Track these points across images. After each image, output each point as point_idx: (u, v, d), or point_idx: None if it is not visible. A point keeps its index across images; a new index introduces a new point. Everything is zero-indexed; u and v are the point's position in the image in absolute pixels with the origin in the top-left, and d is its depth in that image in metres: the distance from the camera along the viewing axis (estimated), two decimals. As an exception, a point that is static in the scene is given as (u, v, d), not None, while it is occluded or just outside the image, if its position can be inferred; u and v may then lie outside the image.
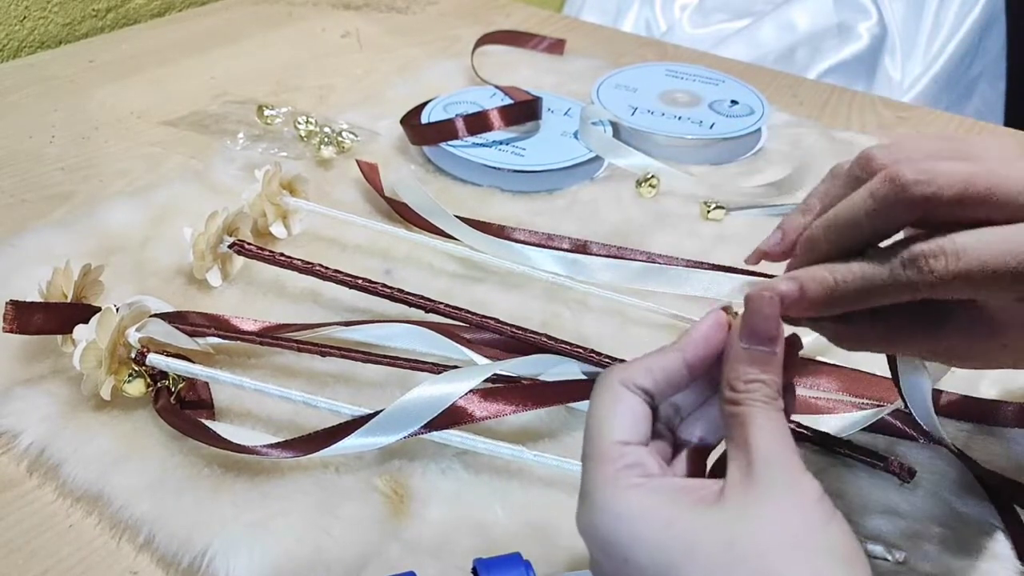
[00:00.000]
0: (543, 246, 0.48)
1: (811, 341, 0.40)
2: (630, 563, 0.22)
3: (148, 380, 0.37)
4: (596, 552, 0.24)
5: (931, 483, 0.36)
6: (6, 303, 0.36)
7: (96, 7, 0.74)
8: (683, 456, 0.27)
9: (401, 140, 0.58)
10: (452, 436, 0.35)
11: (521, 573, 0.27)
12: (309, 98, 0.64)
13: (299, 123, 0.58)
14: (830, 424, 0.38)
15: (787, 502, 0.22)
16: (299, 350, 0.38)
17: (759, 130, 0.60)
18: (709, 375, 0.27)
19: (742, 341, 0.25)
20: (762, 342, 0.25)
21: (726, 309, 0.27)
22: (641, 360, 0.26)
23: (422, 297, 0.41)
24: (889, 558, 0.33)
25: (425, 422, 0.34)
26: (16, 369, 0.39)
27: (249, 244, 0.44)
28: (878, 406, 0.39)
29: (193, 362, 0.37)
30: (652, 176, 0.54)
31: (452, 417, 0.34)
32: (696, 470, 0.27)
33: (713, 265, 0.46)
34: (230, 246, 0.44)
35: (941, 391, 0.39)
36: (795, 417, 0.38)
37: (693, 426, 0.27)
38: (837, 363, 0.41)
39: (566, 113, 0.61)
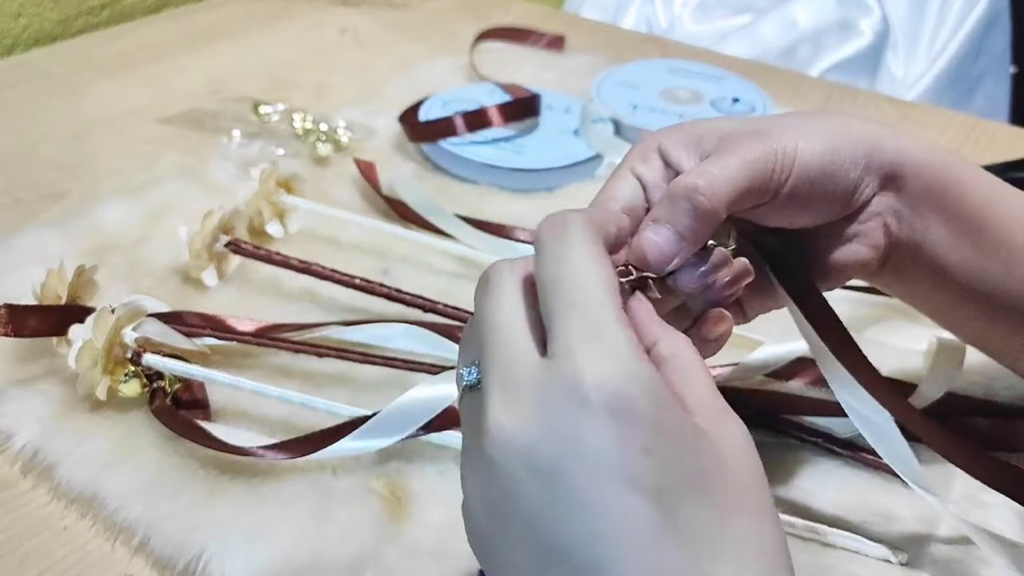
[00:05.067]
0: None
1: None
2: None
3: (144, 380, 0.36)
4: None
5: (933, 484, 0.35)
6: (0, 306, 0.36)
7: (91, 4, 0.73)
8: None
9: (399, 137, 0.58)
10: (450, 438, 0.34)
11: None
12: (306, 95, 0.64)
13: (296, 120, 0.58)
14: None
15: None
16: (296, 351, 0.38)
17: (760, 127, 0.60)
18: None
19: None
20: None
21: None
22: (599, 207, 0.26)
23: (420, 297, 0.40)
24: (892, 559, 0.32)
25: (423, 424, 0.33)
26: (10, 370, 0.39)
27: (245, 243, 0.43)
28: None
29: (189, 362, 0.37)
30: (653, 174, 0.54)
31: (450, 418, 0.34)
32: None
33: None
34: (226, 245, 0.43)
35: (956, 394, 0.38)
36: (795, 418, 0.38)
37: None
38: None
39: (566, 110, 0.60)
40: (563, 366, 0.20)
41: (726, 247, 0.29)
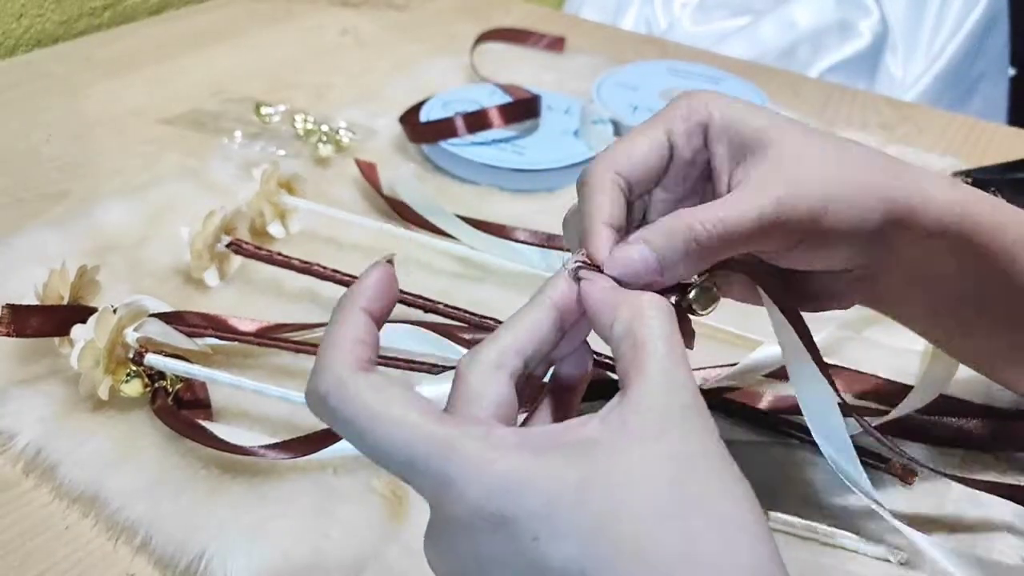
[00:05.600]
0: (543, 246, 0.47)
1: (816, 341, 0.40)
2: (543, 540, 0.20)
3: (146, 380, 0.36)
4: (480, 542, 0.21)
5: (932, 484, 0.35)
6: (2, 307, 0.36)
7: (93, 5, 0.74)
8: (546, 401, 0.26)
9: (400, 138, 0.58)
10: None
11: None
12: (307, 96, 0.64)
13: (297, 121, 0.58)
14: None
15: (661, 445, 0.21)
16: (297, 351, 0.38)
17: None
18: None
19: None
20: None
21: None
22: (506, 338, 0.24)
23: (421, 297, 0.40)
24: (891, 559, 0.32)
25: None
26: (12, 370, 0.39)
27: (247, 243, 0.43)
28: (881, 408, 0.38)
29: (191, 362, 0.37)
30: (652, 175, 0.54)
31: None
32: (563, 409, 0.26)
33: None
34: (227, 245, 0.43)
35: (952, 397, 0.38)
36: (794, 418, 0.38)
37: (558, 365, 0.27)
38: (838, 363, 0.41)
39: (566, 111, 0.60)
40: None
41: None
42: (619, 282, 0.25)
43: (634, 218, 0.29)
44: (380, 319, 0.24)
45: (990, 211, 0.29)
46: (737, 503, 0.21)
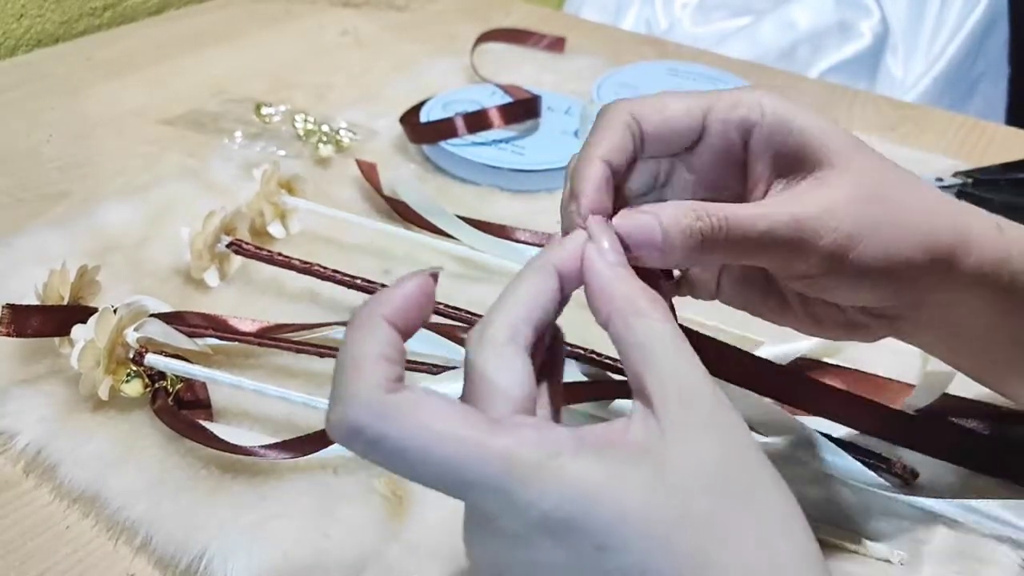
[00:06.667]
0: (543, 245, 0.47)
1: (816, 343, 0.40)
2: (609, 551, 0.19)
3: (146, 380, 0.36)
4: (539, 549, 0.20)
5: (933, 484, 0.35)
6: (2, 307, 0.36)
7: (93, 5, 0.74)
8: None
9: (400, 139, 0.58)
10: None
11: None
12: (307, 96, 0.64)
13: (297, 121, 0.58)
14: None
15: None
16: (297, 351, 0.38)
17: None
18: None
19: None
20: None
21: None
22: (513, 308, 0.23)
23: (421, 297, 0.40)
24: (892, 559, 0.32)
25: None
26: (13, 369, 0.39)
27: (247, 243, 0.43)
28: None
29: (191, 362, 0.37)
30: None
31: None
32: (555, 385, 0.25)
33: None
34: (228, 245, 0.43)
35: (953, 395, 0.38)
36: (798, 417, 0.38)
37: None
38: (840, 364, 0.41)
39: (566, 112, 0.60)
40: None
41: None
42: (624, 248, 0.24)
43: (644, 182, 0.28)
44: (407, 333, 0.22)
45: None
46: (783, 497, 0.21)
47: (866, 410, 0.34)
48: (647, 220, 0.24)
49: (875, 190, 0.26)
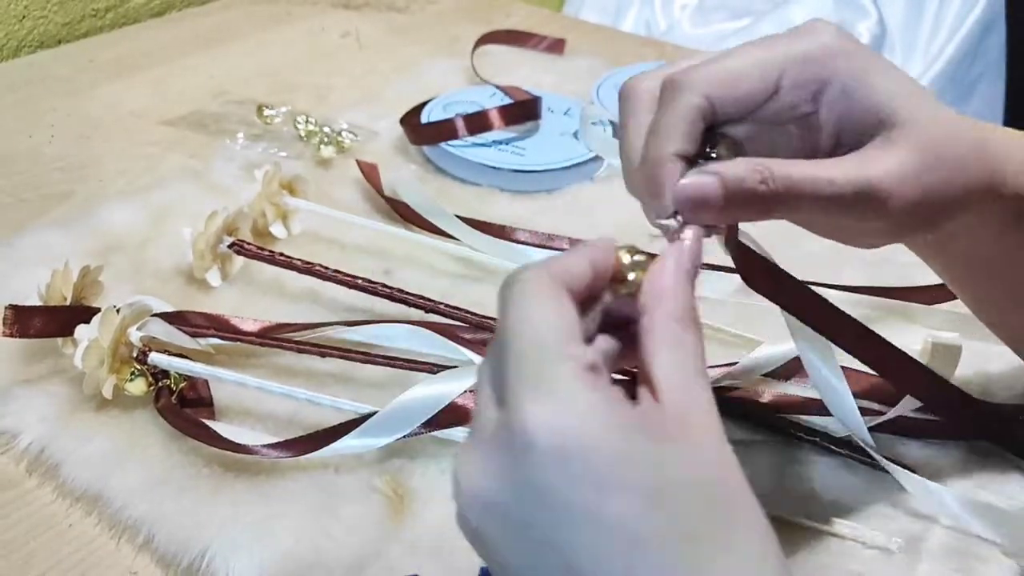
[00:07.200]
0: (543, 246, 0.48)
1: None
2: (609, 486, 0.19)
3: (150, 379, 0.37)
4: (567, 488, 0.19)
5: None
6: (5, 307, 0.36)
7: (95, 7, 0.74)
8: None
9: (401, 140, 0.58)
10: (452, 434, 0.35)
11: None
12: (309, 98, 0.64)
13: (299, 123, 0.58)
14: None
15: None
16: (299, 351, 0.38)
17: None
18: None
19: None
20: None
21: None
22: (553, 264, 0.23)
23: (422, 297, 0.41)
24: (891, 547, 0.33)
25: (423, 421, 0.34)
26: (16, 369, 0.39)
27: (249, 244, 0.44)
28: (883, 408, 0.38)
29: (194, 361, 0.37)
30: (652, 176, 0.54)
31: (452, 416, 0.34)
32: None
33: (709, 265, 0.45)
34: (230, 246, 0.43)
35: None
36: (793, 417, 0.38)
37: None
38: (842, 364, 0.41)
39: (566, 113, 0.61)
40: (510, 416, 0.20)
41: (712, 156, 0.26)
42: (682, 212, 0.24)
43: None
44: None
45: None
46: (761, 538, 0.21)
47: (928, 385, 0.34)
48: (709, 182, 0.24)
49: (939, 152, 0.26)
